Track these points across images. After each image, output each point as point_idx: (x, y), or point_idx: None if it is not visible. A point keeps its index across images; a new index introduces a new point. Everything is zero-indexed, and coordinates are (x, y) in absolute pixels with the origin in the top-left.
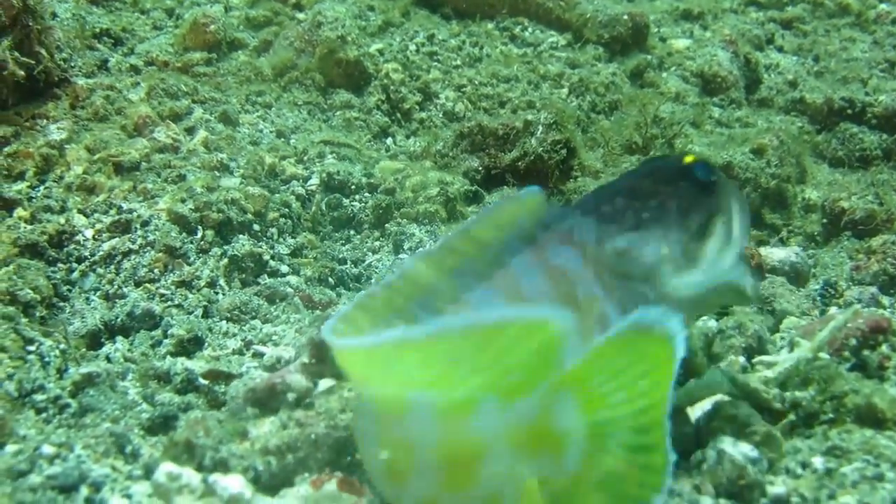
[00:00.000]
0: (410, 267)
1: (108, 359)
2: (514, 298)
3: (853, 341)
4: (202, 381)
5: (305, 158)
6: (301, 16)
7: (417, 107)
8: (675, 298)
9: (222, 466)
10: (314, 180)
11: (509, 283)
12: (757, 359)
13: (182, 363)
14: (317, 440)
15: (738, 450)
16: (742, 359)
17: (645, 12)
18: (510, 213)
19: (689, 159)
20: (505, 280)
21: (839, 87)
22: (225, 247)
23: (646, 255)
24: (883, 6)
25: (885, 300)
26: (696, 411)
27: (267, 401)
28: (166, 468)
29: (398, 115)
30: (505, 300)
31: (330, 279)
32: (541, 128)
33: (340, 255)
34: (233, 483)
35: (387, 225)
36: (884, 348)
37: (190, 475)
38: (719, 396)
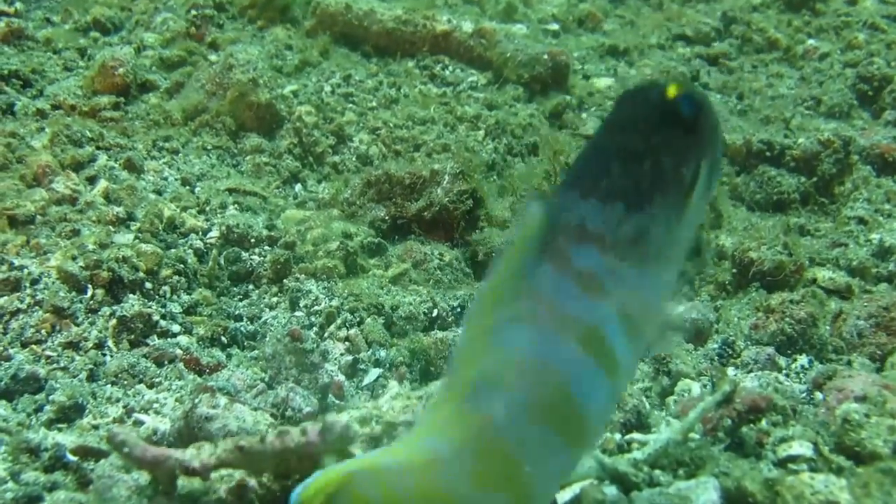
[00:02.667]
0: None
1: None
2: (555, 318)
3: (728, 421)
4: (71, 457)
5: (207, 209)
6: (214, 57)
7: (330, 150)
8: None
9: None
10: (214, 233)
11: (542, 307)
12: (629, 436)
13: (53, 437)
14: None
15: None
16: (618, 436)
17: (567, 50)
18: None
19: (672, 92)
20: (536, 305)
21: (761, 128)
22: (114, 307)
23: (657, 236)
24: (811, 42)
25: (782, 360)
26: (564, 495)
27: None
28: None
29: (310, 158)
30: (547, 323)
31: (223, 338)
32: (447, 177)
33: (236, 312)
34: None
35: (285, 280)
36: (763, 424)
37: None
38: (588, 480)
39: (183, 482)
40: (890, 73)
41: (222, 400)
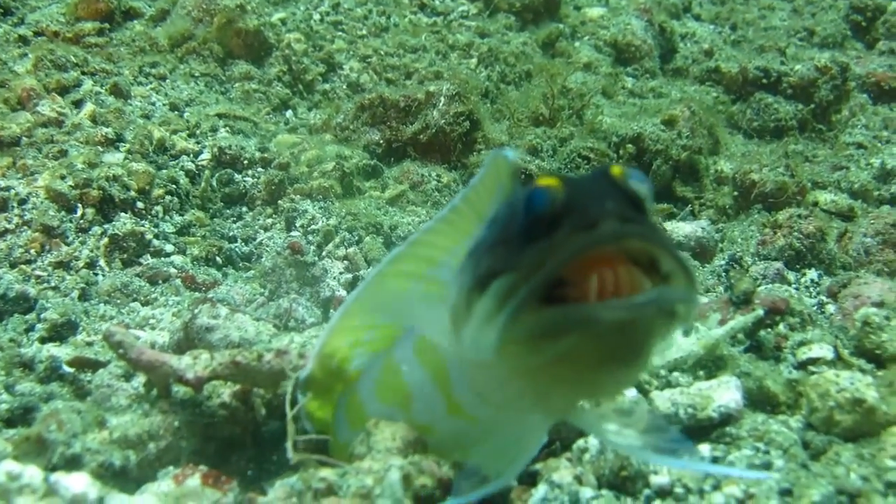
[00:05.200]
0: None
1: None
2: None
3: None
4: (67, 368)
5: (198, 132)
6: None
7: (320, 78)
8: None
9: (74, 463)
10: (205, 155)
11: None
12: None
13: (48, 350)
14: (180, 427)
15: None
16: None
17: None
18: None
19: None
20: None
21: (756, 57)
22: (105, 226)
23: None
24: None
25: (791, 275)
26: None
27: None
28: (6, 467)
29: (300, 86)
30: None
31: (218, 258)
32: (443, 99)
33: (230, 233)
34: (76, 482)
35: (280, 201)
36: (781, 328)
37: (32, 474)
38: None
39: (177, 388)
40: (883, 3)
41: (223, 310)
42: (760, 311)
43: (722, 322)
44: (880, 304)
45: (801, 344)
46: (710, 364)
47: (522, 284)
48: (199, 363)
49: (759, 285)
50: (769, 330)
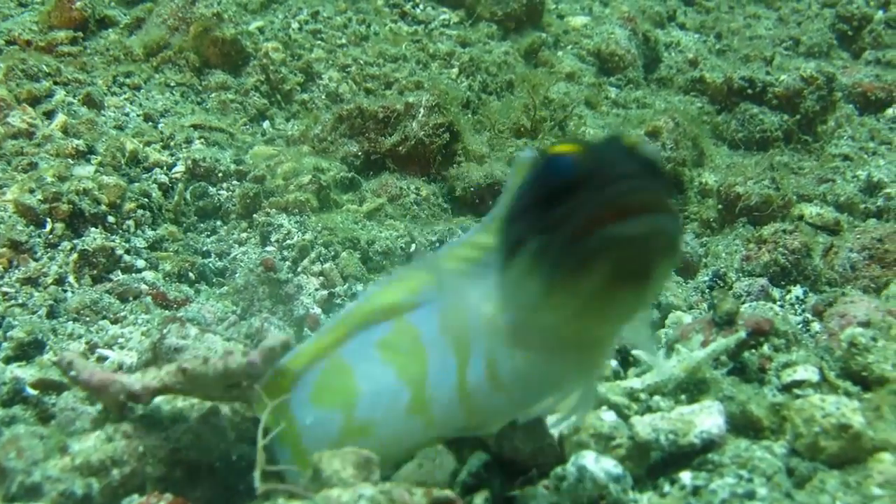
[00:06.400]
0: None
1: None
2: None
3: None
4: (31, 391)
5: (172, 144)
6: None
7: (299, 88)
8: None
9: (33, 493)
10: (179, 167)
11: None
12: (634, 352)
13: (11, 371)
14: (145, 453)
15: (600, 466)
16: (615, 363)
17: None
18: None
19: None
20: None
21: (741, 67)
22: (75, 241)
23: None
24: None
25: (776, 292)
26: (562, 423)
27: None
28: None
29: (278, 96)
30: None
31: (190, 274)
32: (422, 110)
33: (204, 248)
34: None
35: (255, 215)
36: (765, 349)
37: None
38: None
39: (132, 406)
40: (869, 12)
41: (192, 330)
42: (743, 334)
43: (704, 343)
44: (867, 324)
45: (786, 366)
46: (692, 388)
47: (561, 233)
48: (148, 375)
49: (743, 302)
50: (753, 351)
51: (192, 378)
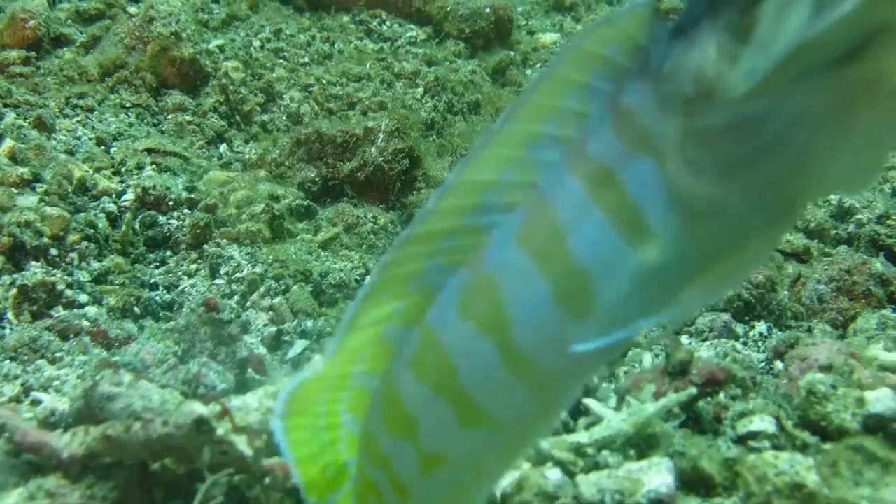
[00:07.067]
0: None
1: None
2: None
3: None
4: None
5: (123, 170)
6: (133, 9)
7: (259, 108)
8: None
9: None
10: (129, 195)
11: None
12: (585, 401)
13: None
14: None
15: None
16: (564, 413)
17: (510, 5)
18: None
19: None
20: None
21: None
22: (15, 275)
23: (691, 63)
24: None
25: (739, 328)
26: (503, 481)
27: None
28: None
29: (237, 117)
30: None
31: (135, 309)
32: (382, 135)
33: (152, 280)
34: None
35: (205, 246)
36: (721, 397)
37: None
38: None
39: None
40: None
41: (126, 377)
42: (694, 390)
43: (657, 395)
44: (828, 368)
45: (742, 415)
46: (641, 443)
47: None
48: (76, 440)
49: (705, 339)
50: (709, 399)
51: (116, 444)
